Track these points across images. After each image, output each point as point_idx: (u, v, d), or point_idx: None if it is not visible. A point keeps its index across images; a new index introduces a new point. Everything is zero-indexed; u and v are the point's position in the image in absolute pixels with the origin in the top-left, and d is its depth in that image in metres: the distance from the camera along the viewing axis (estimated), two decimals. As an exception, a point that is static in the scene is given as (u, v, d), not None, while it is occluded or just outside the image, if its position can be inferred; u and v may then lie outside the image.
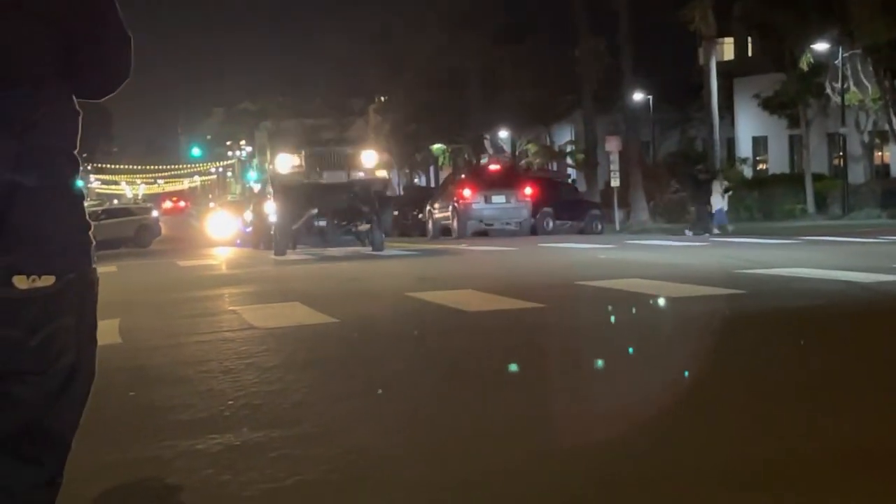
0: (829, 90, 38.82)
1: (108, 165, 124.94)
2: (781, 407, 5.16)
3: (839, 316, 8.72)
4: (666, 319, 9.28)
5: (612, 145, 40.16)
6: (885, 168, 43.16)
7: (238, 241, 37.24)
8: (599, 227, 37.63)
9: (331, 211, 22.59)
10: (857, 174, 40.62)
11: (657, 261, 16.57)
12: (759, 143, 49.04)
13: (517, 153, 58.49)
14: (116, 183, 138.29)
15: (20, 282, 2.35)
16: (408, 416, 5.28)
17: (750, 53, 51.31)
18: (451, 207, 35.35)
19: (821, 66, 38.58)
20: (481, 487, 3.92)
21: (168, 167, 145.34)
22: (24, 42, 2.41)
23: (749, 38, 50.55)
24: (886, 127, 38.10)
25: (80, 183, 2.55)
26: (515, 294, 11.04)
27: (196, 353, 7.78)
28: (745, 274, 12.87)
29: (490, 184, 34.94)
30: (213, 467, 4.33)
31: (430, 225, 37.40)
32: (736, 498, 3.69)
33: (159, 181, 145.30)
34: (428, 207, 37.88)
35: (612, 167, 39.95)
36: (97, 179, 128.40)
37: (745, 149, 48.91)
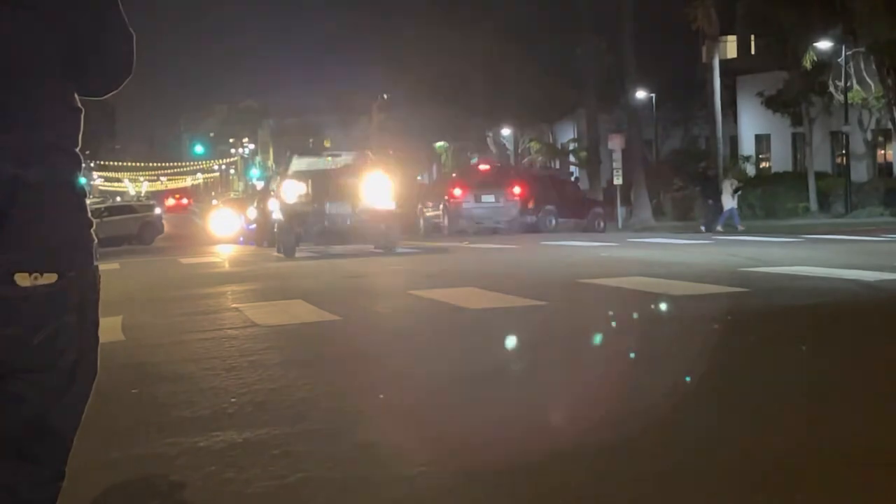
0: (832, 88, 38.76)
1: (111, 163, 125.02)
2: (787, 405, 5.15)
3: (844, 314, 8.71)
4: (669, 318, 9.26)
5: (615, 143, 40.16)
6: (888, 166, 43.10)
7: (241, 239, 37.23)
8: (602, 224, 37.64)
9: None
10: (860, 172, 40.58)
11: (660, 259, 16.56)
12: (762, 141, 48.99)
13: (520, 151, 58.48)
14: (119, 180, 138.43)
15: (22, 279, 2.34)
16: (410, 414, 5.28)
17: (753, 51, 51.22)
18: (441, 206, 36.42)
19: (824, 65, 38.52)
20: (485, 484, 3.92)
21: (171, 164, 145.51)
22: (27, 39, 2.41)
23: (752, 36, 50.47)
24: (889, 125, 38.04)
25: (82, 180, 2.54)
26: (518, 292, 11.04)
27: (199, 351, 7.78)
28: (748, 272, 12.86)
29: (480, 183, 36.11)
30: (217, 464, 4.33)
31: (421, 223, 37.89)
32: (743, 497, 3.68)
33: (162, 178, 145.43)
34: (419, 206, 38.41)
35: (614, 165, 39.95)
36: (100, 176, 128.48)
37: (747, 147, 48.87)
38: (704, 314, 8.70)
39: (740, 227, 30.73)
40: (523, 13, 48.55)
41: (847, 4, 34.76)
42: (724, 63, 43.22)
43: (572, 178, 50.43)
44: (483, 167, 39.26)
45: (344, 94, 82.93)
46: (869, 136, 40.94)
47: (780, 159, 47.65)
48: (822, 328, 7.89)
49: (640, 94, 45.07)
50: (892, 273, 11.77)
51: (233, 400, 5.73)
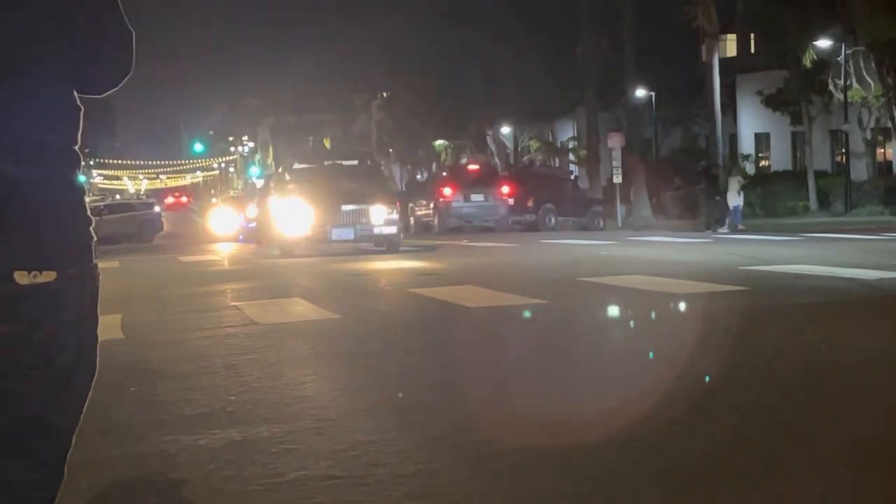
0: (831, 87, 38.75)
1: (111, 161, 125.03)
2: (786, 403, 5.16)
3: (843, 313, 8.72)
4: (668, 316, 9.27)
5: (615, 141, 40.15)
6: (888, 165, 43.09)
7: (240, 237, 37.21)
8: (601, 223, 37.65)
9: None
10: (860, 171, 40.57)
11: (660, 257, 16.56)
12: (762, 140, 48.96)
13: (520, 149, 58.46)
14: (118, 178, 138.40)
15: (21, 277, 2.34)
16: (410, 412, 5.28)
17: (753, 50, 51.19)
18: (432, 205, 37.14)
19: (824, 63, 38.52)
20: (485, 482, 3.92)
21: (170, 162, 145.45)
22: (26, 37, 2.41)
23: (752, 35, 50.46)
24: (889, 124, 38.01)
25: (81, 178, 2.54)
26: (517, 290, 11.04)
27: (198, 349, 7.78)
28: (748, 271, 12.86)
29: (469, 183, 37.02)
30: (216, 462, 4.34)
31: (412, 221, 38.18)
32: (742, 495, 3.68)
33: (161, 176, 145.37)
34: (410, 205, 38.83)
35: (614, 163, 39.94)
36: (99, 174, 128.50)
37: (747, 145, 48.84)
38: (704, 313, 8.71)
39: (740, 227, 30.72)
40: (523, 11, 48.53)
41: (847, 3, 34.72)
42: (724, 61, 43.18)
43: (572, 177, 50.41)
44: (472, 167, 40.10)
45: (344, 93, 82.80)
46: (868, 134, 40.92)
47: (779, 158, 47.64)
48: (823, 327, 7.88)
49: (640, 93, 45.07)
50: (891, 272, 11.78)
51: (232, 398, 5.73)
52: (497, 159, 56.63)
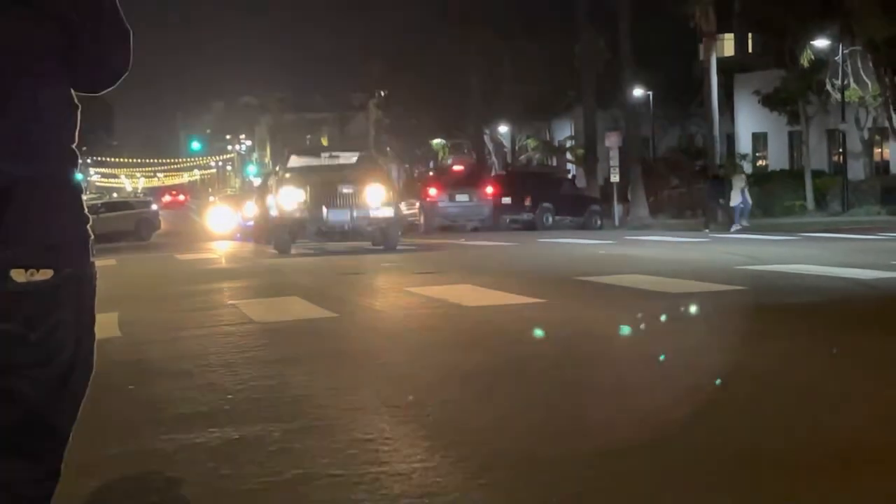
0: (829, 87, 38.77)
1: (108, 159, 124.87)
2: (784, 403, 5.15)
3: (841, 313, 8.72)
4: (666, 316, 9.26)
5: (612, 141, 40.15)
6: (885, 165, 43.10)
7: (238, 236, 37.20)
8: (599, 222, 37.67)
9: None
10: (857, 171, 40.60)
11: (657, 257, 16.57)
12: (759, 140, 48.98)
13: (517, 148, 58.47)
14: (116, 176, 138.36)
15: (18, 275, 2.33)
16: (407, 410, 5.28)
17: (750, 50, 51.25)
18: (418, 204, 37.57)
19: (821, 63, 38.53)
20: (481, 481, 3.91)
21: (168, 161, 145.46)
22: (23, 35, 2.40)
23: (749, 35, 50.51)
24: (886, 124, 38.03)
25: (79, 176, 2.53)
26: (515, 289, 11.04)
27: (195, 347, 7.78)
28: (745, 270, 12.86)
29: (455, 183, 37.69)
30: (213, 460, 4.33)
31: None
32: (743, 494, 3.68)
33: (159, 175, 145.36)
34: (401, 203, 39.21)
35: (611, 163, 39.94)
36: (97, 173, 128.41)
37: (744, 145, 48.86)
38: (702, 312, 8.70)
39: (740, 226, 30.71)
40: (521, 10, 48.54)
41: (844, 3, 34.75)
42: (722, 61, 43.19)
43: (569, 176, 50.42)
44: (457, 167, 40.88)
45: (341, 92, 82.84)
46: (866, 134, 40.95)
47: (776, 157, 47.66)
48: (820, 327, 7.88)
49: (638, 92, 45.08)
50: (888, 271, 11.78)
51: (229, 396, 5.73)
52: (495, 158, 56.68)
